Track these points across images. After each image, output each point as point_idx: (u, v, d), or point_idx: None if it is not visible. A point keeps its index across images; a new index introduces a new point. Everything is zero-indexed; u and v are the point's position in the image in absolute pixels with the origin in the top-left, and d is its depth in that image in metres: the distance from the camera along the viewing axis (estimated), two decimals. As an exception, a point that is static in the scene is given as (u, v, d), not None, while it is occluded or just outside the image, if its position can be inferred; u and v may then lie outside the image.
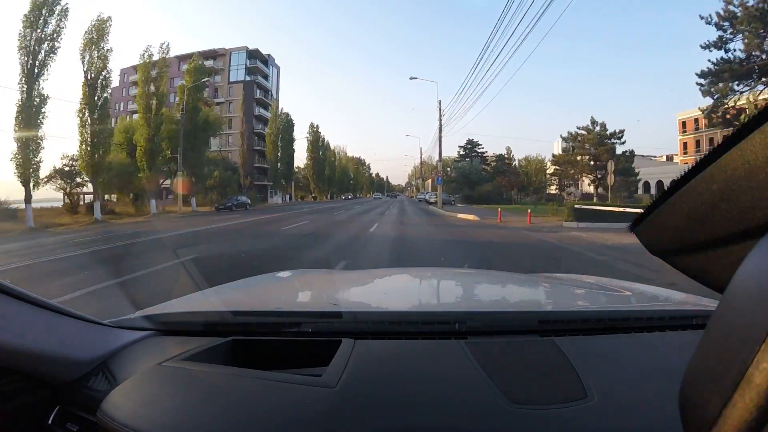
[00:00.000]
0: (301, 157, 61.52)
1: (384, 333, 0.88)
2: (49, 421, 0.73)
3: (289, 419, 0.60)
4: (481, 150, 55.94)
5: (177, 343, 0.89)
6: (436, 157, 25.77)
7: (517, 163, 53.05)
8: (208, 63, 51.35)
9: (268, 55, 57.18)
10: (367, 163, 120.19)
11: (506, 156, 55.28)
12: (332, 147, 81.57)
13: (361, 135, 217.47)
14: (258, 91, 53.38)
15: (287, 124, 50.38)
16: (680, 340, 0.85)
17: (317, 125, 64.56)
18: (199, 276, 4.08)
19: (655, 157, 47.82)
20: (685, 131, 39.77)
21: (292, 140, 51.11)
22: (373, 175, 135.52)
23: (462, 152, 57.08)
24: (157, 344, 0.91)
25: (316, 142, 63.91)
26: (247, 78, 52.47)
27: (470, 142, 54.68)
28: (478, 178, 44.76)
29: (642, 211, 0.41)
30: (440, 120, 23.52)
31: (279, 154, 47.65)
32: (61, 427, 0.72)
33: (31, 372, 0.71)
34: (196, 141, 28.15)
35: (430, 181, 58.76)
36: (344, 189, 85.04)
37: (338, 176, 77.60)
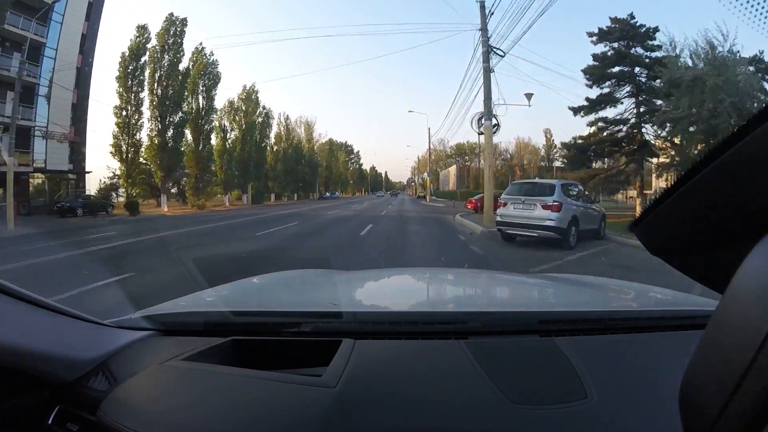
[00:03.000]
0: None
1: (384, 333, 0.88)
2: (49, 421, 0.72)
3: (289, 419, 0.61)
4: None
5: (177, 343, 0.89)
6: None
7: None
8: None
9: None
10: (356, 151, 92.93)
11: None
12: (293, 120, 52.77)
13: (358, 127, 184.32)
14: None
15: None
16: (680, 340, 0.84)
17: (207, 50, 28.92)
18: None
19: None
20: None
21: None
22: (367, 169, 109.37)
23: (602, 48, 16.36)
24: (157, 344, 0.91)
25: (211, 80, 28.54)
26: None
27: (622, 22, 15.63)
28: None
29: (642, 210, 0.40)
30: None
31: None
32: (61, 427, 0.72)
33: (31, 372, 0.71)
34: None
35: (449, 170, 27.37)
36: (304, 183, 56.05)
37: (286, 160, 46.73)
